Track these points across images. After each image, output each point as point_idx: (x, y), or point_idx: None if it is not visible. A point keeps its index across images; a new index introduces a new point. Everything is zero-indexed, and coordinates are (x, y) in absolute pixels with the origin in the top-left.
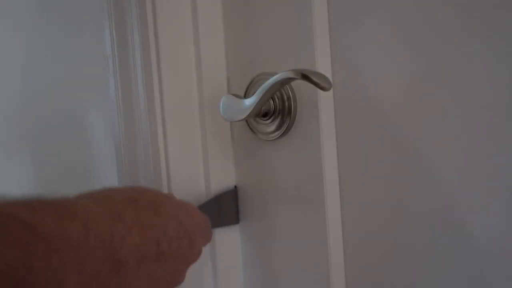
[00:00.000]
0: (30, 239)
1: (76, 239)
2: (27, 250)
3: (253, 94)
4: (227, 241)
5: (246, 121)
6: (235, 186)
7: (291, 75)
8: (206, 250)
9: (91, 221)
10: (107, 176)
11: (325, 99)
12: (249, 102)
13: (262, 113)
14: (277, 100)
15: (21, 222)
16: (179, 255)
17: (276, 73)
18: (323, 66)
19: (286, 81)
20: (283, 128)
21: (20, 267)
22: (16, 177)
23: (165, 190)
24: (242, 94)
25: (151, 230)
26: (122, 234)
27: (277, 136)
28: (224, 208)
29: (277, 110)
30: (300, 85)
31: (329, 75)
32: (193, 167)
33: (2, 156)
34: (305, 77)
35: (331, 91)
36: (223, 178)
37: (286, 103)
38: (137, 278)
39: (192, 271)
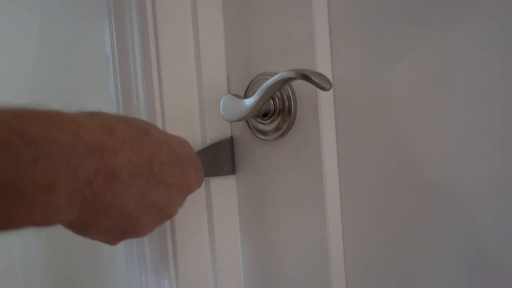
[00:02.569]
0: (17, 143)
1: (65, 145)
2: (15, 154)
3: (253, 94)
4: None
5: (246, 121)
6: (231, 136)
7: (291, 75)
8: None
9: (81, 130)
10: None
11: (325, 99)
12: (249, 102)
13: (262, 113)
14: (277, 100)
15: (7, 126)
16: (172, 182)
17: (276, 73)
18: (323, 66)
19: (286, 81)
20: (283, 128)
21: (8, 170)
22: None
23: None
24: (242, 94)
25: (143, 149)
26: (114, 146)
27: (277, 136)
28: (220, 157)
29: (277, 110)
30: (300, 85)
31: (329, 75)
32: None
33: None
34: (305, 77)
35: (331, 91)
36: (223, 180)
37: (286, 103)
38: (131, 197)
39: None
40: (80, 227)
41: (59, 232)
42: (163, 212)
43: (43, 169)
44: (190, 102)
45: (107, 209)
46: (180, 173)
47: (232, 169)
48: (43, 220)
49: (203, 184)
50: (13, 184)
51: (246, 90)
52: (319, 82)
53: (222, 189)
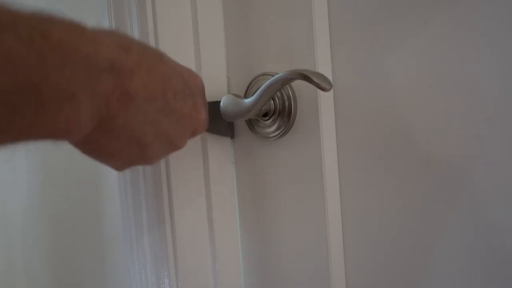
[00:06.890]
0: (42, 43)
1: (86, 56)
2: (39, 54)
3: (253, 94)
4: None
5: (246, 121)
6: None
7: (291, 75)
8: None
9: (100, 44)
10: (108, 176)
11: (325, 99)
12: (249, 102)
13: (262, 113)
14: (277, 100)
15: (29, 25)
16: (184, 113)
17: (276, 73)
18: (323, 66)
19: (286, 81)
20: (283, 128)
21: (33, 71)
22: (23, 170)
23: (165, 191)
24: (242, 94)
25: (158, 75)
26: (131, 67)
27: (277, 136)
28: (220, 117)
29: (277, 110)
30: (300, 85)
31: (329, 75)
32: (193, 168)
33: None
34: (305, 77)
35: (331, 91)
36: (223, 179)
37: (286, 103)
38: (144, 122)
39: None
40: (90, 147)
41: (60, 231)
42: (172, 142)
43: (66, 77)
44: None
45: (119, 130)
46: (193, 105)
47: (231, 133)
48: (65, 129)
49: (203, 178)
50: (39, 87)
51: (246, 90)
52: (319, 82)
53: (223, 192)
